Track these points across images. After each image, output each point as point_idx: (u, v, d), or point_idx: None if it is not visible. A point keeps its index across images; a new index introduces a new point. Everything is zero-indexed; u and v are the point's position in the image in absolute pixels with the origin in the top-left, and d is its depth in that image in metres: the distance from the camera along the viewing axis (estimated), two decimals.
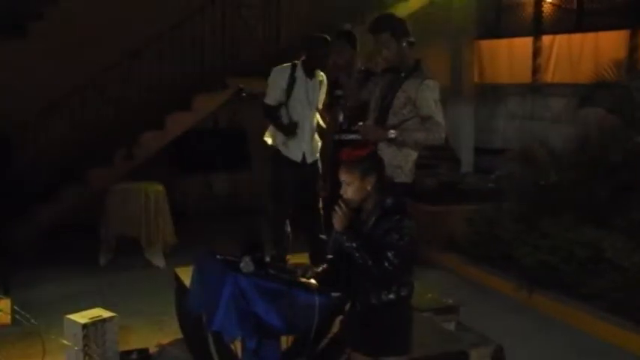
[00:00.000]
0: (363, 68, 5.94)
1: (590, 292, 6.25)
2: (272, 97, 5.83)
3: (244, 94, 5.77)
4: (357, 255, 3.38)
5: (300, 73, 5.78)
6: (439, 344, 4.38)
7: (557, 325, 6.18)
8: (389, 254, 3.33)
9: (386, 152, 4.43)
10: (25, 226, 8.00)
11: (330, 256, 3.76)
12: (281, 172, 5.79)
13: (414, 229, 3.44)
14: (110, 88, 8.66)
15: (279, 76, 5.82)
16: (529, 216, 7.32)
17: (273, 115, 5.82)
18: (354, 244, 3.38)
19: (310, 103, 5.80)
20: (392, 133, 4.51)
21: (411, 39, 4.65)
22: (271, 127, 5.88)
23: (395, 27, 4.65)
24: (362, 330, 3.54)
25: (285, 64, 5.88)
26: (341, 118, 6.02)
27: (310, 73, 5.78)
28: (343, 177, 3.51)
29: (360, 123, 4.85)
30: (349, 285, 3.54)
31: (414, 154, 4.64)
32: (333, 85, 6.07)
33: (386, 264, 3.32)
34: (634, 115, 7.12)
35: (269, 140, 5.88)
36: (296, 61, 5.83)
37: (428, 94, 4.51)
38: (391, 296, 3.44)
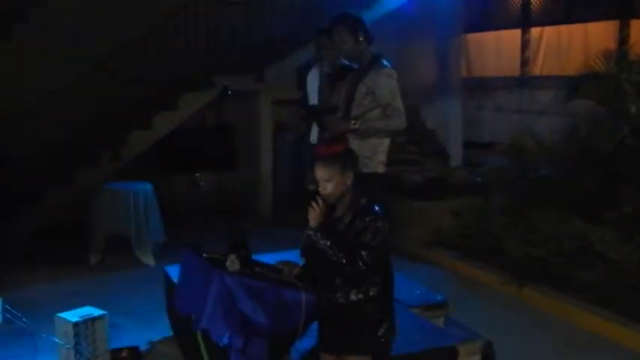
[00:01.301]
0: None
1: (580, 285, 6.27)
2: (311, 96, 5.96)
3: (230, 92, 5.75)
4: (331, 253, 3.38)
5: (320, 68, 5.93)
6: (428, 340, 4.38)
7: (547, 318, 6.19)
8: (363, 253, 3.34)
9: (353, 144, 4.54)
10: (13, 226, 7.96)
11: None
12: None
13: (387, 229, 3.45)
14: (96, 89, 8.62)
15: (311, 73, 5.97)
16: (518, 209, 7.34)
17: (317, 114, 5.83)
18: (327, 242, 3.38)
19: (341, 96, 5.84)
20: (354, 124, 4.63)
21: (368, 35, 4.79)
22: None
23: (350, 23, 4.79)
24: (328, 328, 3.56)
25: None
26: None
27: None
28: (321, 173, 3.52)
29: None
30: (318, 283, 3.55)
31: (383, 143, 4.73)
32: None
33: (360, 263, 3.33)
34: (623, 107, 7.12)
35: None
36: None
37: (384, 82, 4.64)
38: (360, 296, 3.45)
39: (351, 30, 4.76)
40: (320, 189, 3.52)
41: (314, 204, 3.46)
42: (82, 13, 8.96)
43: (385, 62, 4.76)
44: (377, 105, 4.64)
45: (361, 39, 4.75)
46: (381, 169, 4.71)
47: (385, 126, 4.67)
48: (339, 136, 4.64)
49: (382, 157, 4.70)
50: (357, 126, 4.62)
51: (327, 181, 3.49)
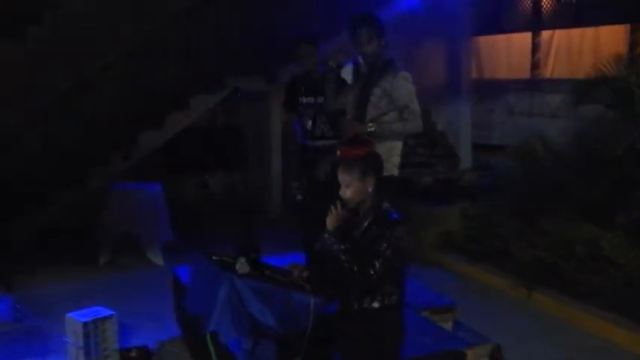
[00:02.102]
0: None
1: (590, 289, 6.25)
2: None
3: (239, 95, 5.80)
4: (343, 258, 3.34)
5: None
6: (436, 343, 4.37)
7: (556, 323, 6.16)
8: (376, 262, 3.29)
9: None
10: (24, 225, 8.00)
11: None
12: None
13: (406, 240, 3.40)
14: (107, 89, 8.65)
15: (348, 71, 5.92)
16: (527, 213, 7.31)
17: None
18: (342, 247, 3.35)
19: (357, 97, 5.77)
20: (370, 126, 4.64)
21: (386, 39, 4.86)
22: None
23: (377, 24, 4.84)
24: (343, 334, 3.54)
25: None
26: (309, 124, 5.99)
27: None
28: (341, 177, 3.48)
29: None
30: (334, 287, 3.53)
31: (398, 146, 4.74)
32: (298, 89, 6.16)
33: (371, 272, 3.28)
34: (634, 111, 7.09)
35: None
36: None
37: (402, 85, 4.68)
38: (375, 304, 3.40)
39: (376, 31, 4.80)
40: (340, 192, 3.50)
41: (332, 207, 3.44)
42: (94, 15, 8.98)
43: (399, 65, 4.81)
44: (393, 108, 4.65)
45: (383, 42, 4.79)
46: (395, 171, 4.72)
47: (402, 128, 4.69)
48: (362, 138, 4.57)
49: (396, 159, 4.73)
50: (372, 128, 4.61)
51: (347, 186, 3.46)
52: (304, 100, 6.14)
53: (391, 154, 4.68)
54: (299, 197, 5.87)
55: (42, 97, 8.41)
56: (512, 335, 5.44)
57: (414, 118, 4.69)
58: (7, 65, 8.60)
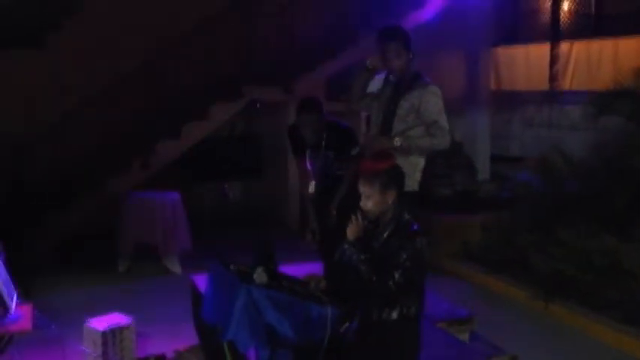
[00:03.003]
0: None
1: (608, 302, 6.21)
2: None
3: (258, 106, 5.78)
4: (363, 268, 3.34)
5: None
6: (452, 355, 4.37)
7: (574, 335, 6.14)
8: (395, 273, 3.28)
9: None
10: (43, 233, 8.07)
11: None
12: None
13: (425, 251, 3.38)
14: (126, 97, 8.73)
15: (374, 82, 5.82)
16: (546, 224, 7.29)
17: None
18: (361, 257, 3.36)
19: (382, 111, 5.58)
20: (397, 141, 4.54)
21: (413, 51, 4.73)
22: None
23: (406, 38, 4.72)
24: (362, 346, 3.54)
25: None
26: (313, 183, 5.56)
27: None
28: (363, 189, 3.48)
29: None
30: (354, 299, 3.53)
31: (421, 162, 4.66)
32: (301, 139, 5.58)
33: (390, 282, 3.27)
34: None
35: None
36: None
37: (431, 99, 4.57)
38: (394, 315, 3.39)
39: (404, 45, 4.67)
40: (361, 204, 3.50)
41: (353, 217, 3.45)
42: (114, 23, 9.08)
43: (427, 79, 4.69)
44: (420, 123, 4.56)
45: (411, 55, 4.68)
46: (417, 187, 4.65)
47: (430, 144, 4.57)
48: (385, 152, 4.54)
49: (419, 175, 4.64)
50: (399, 143, 4.53)
51: (367, 197, 3.46)
52: (311, 153, 5.62)
53: (415, 170, 4.59)
54: (315, 242, 5.64)
55: (63, 104, 8.49)
56: (528, 346, 5.42)
57: (442, 134, 4.57)
58: (29, 72, 8.70)
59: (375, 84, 5.48)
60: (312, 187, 5.39)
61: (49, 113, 8.47)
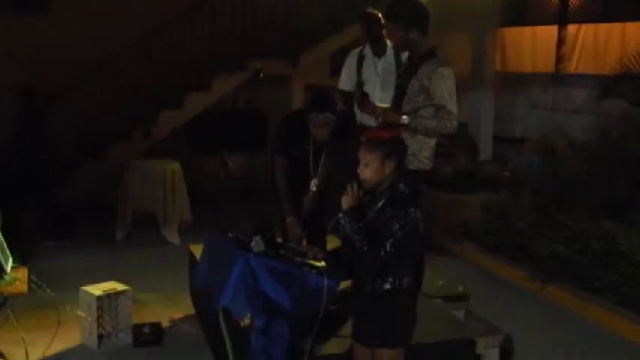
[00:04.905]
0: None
1: (604, 285, 6.22)
2: (343, 80, 5.79)
3: (262, 76, 5.73)
4: (356, 237, 3.33)
5: (367, 51, 5.69)
6: (447, 331, 4.38)
7: (569, 317, 6.15)
8: (386, 243, 3.26)
9: None
10: (44, 202, 8.04)
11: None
12: None
13: (419, 221, 3.34)
14: (129, 67, 8.68)
15: (349, 59, 5.76)
16: (545, 207, 7.29)
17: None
18: (355, 226, 3.35)
19: (382, 85, 5.52)
20: (405, 119, 4.42)
21: (422, 24, 4.51)
22: None
23: (402, 15, 4.52)
24: (359, 317, 3.55)
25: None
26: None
27: (378, 52, 5.63)
28: (363, 156, 3.47)
29: None
30: (352, 270, 3.53)
31: (430, 142, 4.58)
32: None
33: (381, 252, 3.26)
34: None
35: None
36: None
37: (441, 83, 4.40)
38: (387, 286, 3.38)
39: (402, 23, 4.48)
40: (359, 171, 3.49)
41: (349, 186, 3.43)
42: None
43: (439, 57, 4.51)
44: (430, 103, 4.44)
45: (412, 33, 4.48)
46: (427, 166, 4.57)
47: (436, 127, 4.43)
48: (392, 123, 4.40)
49: (427, 152, 4.55)
50: (406, 121, 4.40)
51: (366, 165, 3.43)
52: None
53: (422, 149, 4.52)
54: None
55: (66, 71, 8.44)
56: (524, 327, 5.45)
57: (449, 117, 4.40)
58: (29, 38, 8.64)
59: (369, 66, 5.49)
60: (313, 186, 5.02)
61: (52, 81, 8.41)
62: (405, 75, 4.63)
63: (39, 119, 7.80)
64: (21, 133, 7.78)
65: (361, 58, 5.72)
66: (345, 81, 5.83)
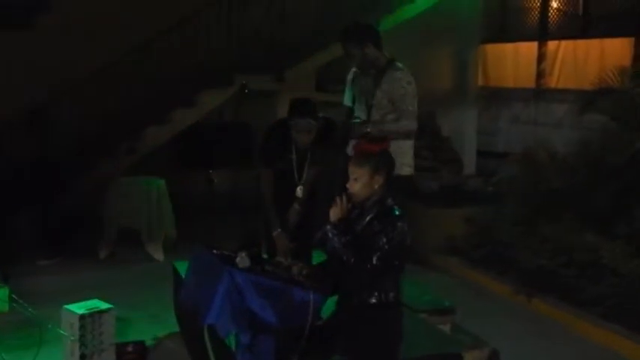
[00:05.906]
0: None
1: (589, 297, 6.24)
2: (345, 96, 5.73)
3: (247, 91, 5.75)
4: (343, 250, 3.34)
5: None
6: (433, 346, 4.36)
7: (556, 329, 6.15)
8: (373, 256, 3.28)
9: None
10: (26, 217, 7.98)
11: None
12: None
13: (406, 235, 3.39)
14: (115, 82, 8.65)
15: (348, 75, 5.70)
16: (529, 220, 7.31)
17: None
18: (342, 239, 3.35)
19: (365, 101, 5.38)
20: (366, 127, 4.79)
21: (376, 40, 5.00)
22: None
23: (356, 36, 5.01)
24: (346, 332, 3.53)
25: None
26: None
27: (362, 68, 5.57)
28: (352, 170, 3.49)
29: None
30: (339, 283, 3.52)
31: (402, 146, 4.79)
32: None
33: (368, 266, 3.28)
34: (636, 123, 7.11)
35: None
36: None
37: (397, 84, 4.83)
38: (372, 300, 3.39)
39: (357, 43, 4.95)
40: (348, 185, 3.50)
41: (338, 199, 3.44)
42: (104, 5, 8.97)
43: (399, 65, 4.92)
44: (393, 108, 4.73)
45: (367, 49, 4.94)
46: (405, 171, 4.75)
47: (396, 127, 4.80)
48: (379, 136, 4.49)
49: (405, 159, 4.75)
50: (368, 129, 4.70)
51: (355, 179, 3.45)
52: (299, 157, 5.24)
53: (396, 154, 4.63)
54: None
55: (52, 85, 8.39)
56: (511, 340, 5.42)
57: (405, 116, 4.82)
58: (17, 54, 8.59)
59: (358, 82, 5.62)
60: (299, 192, 5.08)
61: (34, 97, 8.36)
62: (371, 87, 5.01)
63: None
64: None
65: (355, 75, 5.80)
66: (346, 97, 5.91)
